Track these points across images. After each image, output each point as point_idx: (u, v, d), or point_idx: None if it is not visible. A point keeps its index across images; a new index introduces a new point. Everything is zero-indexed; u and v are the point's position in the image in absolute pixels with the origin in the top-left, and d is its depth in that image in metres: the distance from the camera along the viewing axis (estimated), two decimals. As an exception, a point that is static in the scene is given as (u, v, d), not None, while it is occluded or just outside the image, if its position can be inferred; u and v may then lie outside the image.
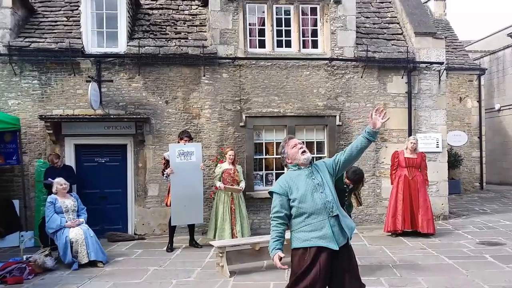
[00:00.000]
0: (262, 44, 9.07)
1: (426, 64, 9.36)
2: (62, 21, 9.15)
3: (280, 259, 3.30)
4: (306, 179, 3.38)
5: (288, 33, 9.13)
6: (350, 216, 4.81)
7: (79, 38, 8.60)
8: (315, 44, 9.25)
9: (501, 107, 17.14)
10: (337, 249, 3.25)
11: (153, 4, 9.78)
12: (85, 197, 7.61)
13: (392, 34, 9.77)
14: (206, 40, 8.98)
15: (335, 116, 9.08)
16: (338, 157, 3.54)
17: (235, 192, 7.57)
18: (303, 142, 3.61)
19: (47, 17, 9.22)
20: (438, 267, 5.97)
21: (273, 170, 9.11)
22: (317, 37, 9.24)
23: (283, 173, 8.93)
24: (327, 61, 9.06)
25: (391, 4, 10.53)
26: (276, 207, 3.40)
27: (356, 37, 9.22)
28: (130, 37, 8.86)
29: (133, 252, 7.27)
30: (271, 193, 3.48)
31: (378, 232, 8.31)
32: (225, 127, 8.81)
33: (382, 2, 10.61)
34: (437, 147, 9.34)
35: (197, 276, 5.82)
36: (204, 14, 9.60)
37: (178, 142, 7.49)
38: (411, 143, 7.94)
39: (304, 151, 3.46)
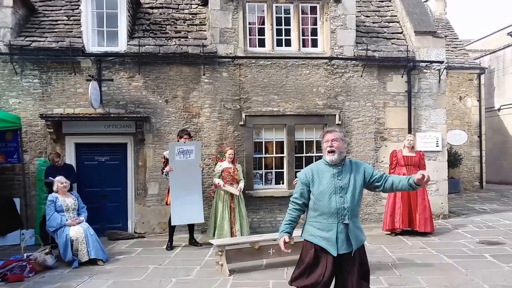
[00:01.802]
0: (262, 43, 9.07)
1: (426, 63, 9.35)
2: (63, 20, 9.17)
3: (286, 242, 3.36)
4: (331, 178, 3.38)
5: (288, 32, 9.13)
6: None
7: (80, 37, 8.62)
8: (315, 43, 9.25)
9: (501, 106, 17.11)
10: (335, 255, 3.28)
11: (153, 3, 9.79)
12: (86, 196, 7.63)
13: (392, 33, 9.77)
14: (206, 39, 8.99)
15: (335, 115, 9.07)
16: (378, 179, 3.44)
17: (233, 192, 7.56)
18: (333, 139, 3.46)
19: (47, 16, 9.24)
20: (437, 266, 5.99)
21: (272, 169, 9.12)
22: (317, 36, 9.24)
23: (283, 172, 8.99)
24: (327, 60, 9.06)
25: (391, 3, 10.51)
26: (297, 193, 3.49)
27: (356, 36, 9.22)
28: (130, 36, 8.87)
29: (133, 250, 7.30)
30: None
31: (377, 231, 8.32)
32: (225, 126, 8.83)
33: (382, 1, 10.60)
34: (437, 146, 9.34)
35: (197, 275, 5.84)
36: (204, 13, 9.61)
37: (178, 141, 7.52)
38: (408, 140, 7.98)
39: (331, 151, 3.39)
